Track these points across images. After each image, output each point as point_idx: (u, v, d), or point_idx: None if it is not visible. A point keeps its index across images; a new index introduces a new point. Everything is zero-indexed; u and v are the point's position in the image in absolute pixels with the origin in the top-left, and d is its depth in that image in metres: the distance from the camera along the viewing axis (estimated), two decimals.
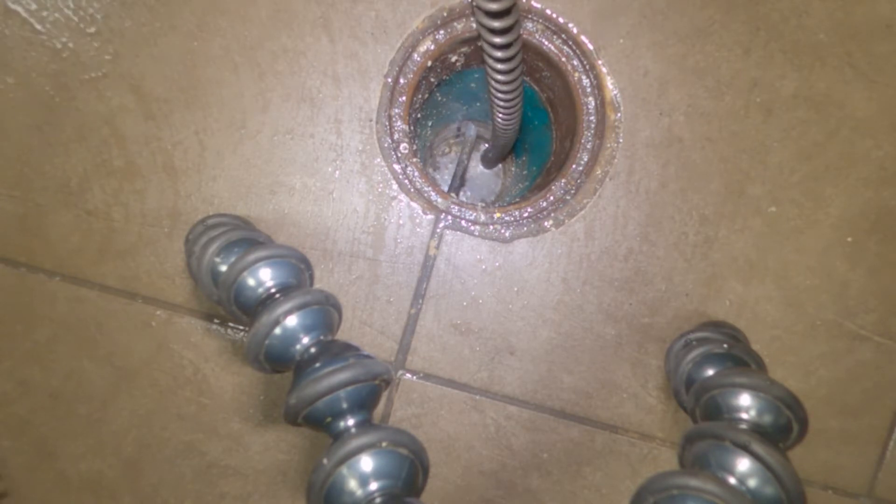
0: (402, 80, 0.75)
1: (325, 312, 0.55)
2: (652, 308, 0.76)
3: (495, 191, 1.25)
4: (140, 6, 0.72)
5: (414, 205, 0.76)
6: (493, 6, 0.57)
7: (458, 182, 1.14)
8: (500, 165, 1.23)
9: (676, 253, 0.76)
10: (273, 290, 0.56)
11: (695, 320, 0.76)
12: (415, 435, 0.48)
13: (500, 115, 0.78)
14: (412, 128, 0.84)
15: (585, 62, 0.75)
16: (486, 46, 0.65)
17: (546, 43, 0.76)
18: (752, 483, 0.47)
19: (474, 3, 0.59)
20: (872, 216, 0.76)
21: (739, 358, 0.63)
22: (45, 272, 0.76)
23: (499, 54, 0.64)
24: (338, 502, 0.45)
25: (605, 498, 0.79)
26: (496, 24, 0.60)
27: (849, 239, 0.76)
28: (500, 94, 0.73)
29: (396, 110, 0.76)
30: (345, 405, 0.49)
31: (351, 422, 0.49)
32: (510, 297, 0.76)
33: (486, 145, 1.13)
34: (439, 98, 1.01)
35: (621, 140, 0.75)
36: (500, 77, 0.69)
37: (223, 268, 0.60)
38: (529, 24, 0.76)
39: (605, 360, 0.77)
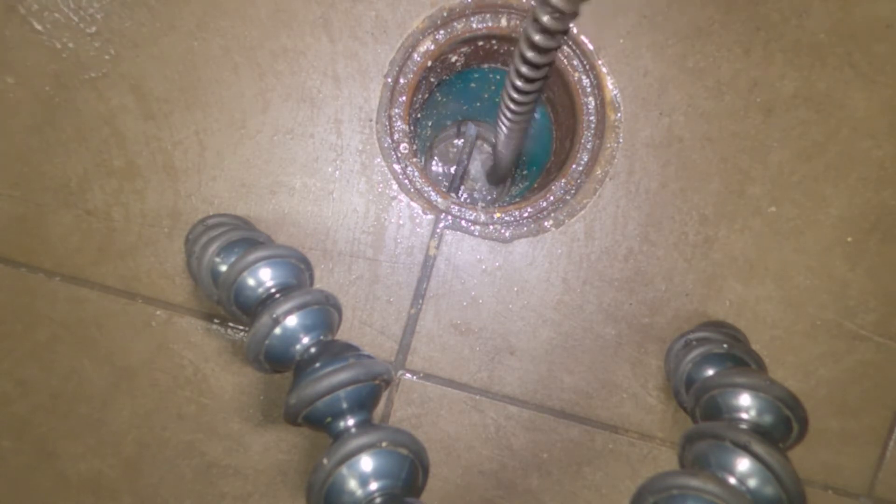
0: (402, 80, 0.75)
1: (325, 312, 0.55)
2: (652, 308, 0.76)
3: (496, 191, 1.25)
4: (140, 6, 0.72)
5: (414, 205, 0.76)
6: (539, 38, 0.56)
7: (458, 182, 1.14)
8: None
9: (676, 253, 0.76)
10: (273, 290, 0.56)
11: (695, 320, 0.76)
12: (415, 435, 0.48)
13: (503, 128, 0.78)
14: (412, 128, 0.84)
15: (585, 62, 0.75)
16: (512, 70, 0.65)
17: None
18: (752, 483, 0.47)
19: (523, 28, 0.58)
20: (872, 216, 0.76)
21: (739, 358, 0.63)
22: (45, 272, 0.76)
23: (519, 84, 0.64)
24: (338, 502, 0.45)
25: (605, 498, 0.79)
26: (531, 54, 0.60)
27: (849, 239, 0.76)
28: (506, 116, 0.73)
29: (396, 110, 0.76)
30: (345, 405, 0.49)
31: (351, 422, 0.49)
32: (510, 297, 0.76)
33: (491, 164, 1.12)
34: (439, 98, 1.01)
35: (621, 140, 0.75)
36: (511, 106, 0.68)
37: (223, 268, 0.60)
38: None
39: (605, 360, 0.77)
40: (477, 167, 1.18)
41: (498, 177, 1.09)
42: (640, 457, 0.78)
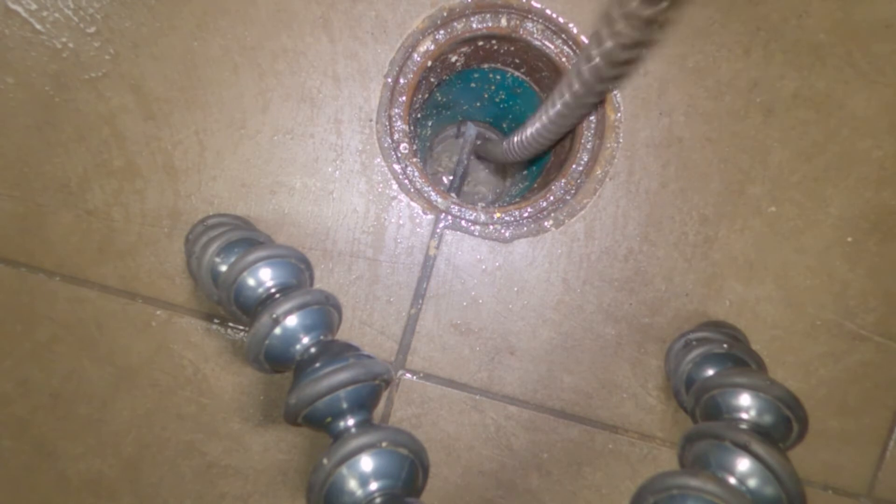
0: (402, 80, 0.75)
1: (325, 312, 0.55)
2: (652, 308, 0.76)
3: (496, 190, 1.25)
4: (140, 6, 0.72)
5: (414, 205, 0.76)
6: (588, 76, 0.58)
7: (458, 182, 1.14)
8: (497, 165, 1.23)
9: (676, 253, 0.76)
10: (273, 290, 0.56)
11: (695, 320, 0.76)
12: (415, 435, 0.48)
13: (522, 139, 0.78)
14: (412, 128, 0.84)
15: None
16: (556, 94, 0.66)
17: (546, 43, 0.76)
18: (752, 483, 0.47)
19: (581, 67, 0.59)
20: (872, 216, 0.76)
21: (739, 358, 0.63)
22: (45, 272, 0.76)
23: (560, 108, 0.65)
24: (338, 502, 0.45)
25: (605, 498, 0.79)
26: (578, 86, 0.61)
27: (849, 239, 0.76)
28: (532, 132, 0.73)
29: (396, 110, 0.76)
30: (345, 405, 0.49)
31: (351, 422, 0.49)
32: (510, 297, 0.76)
33: (481, 141, 1.12)
34: (439, 98, 1.01)
35: (621, 140, 0.75)
36: (546, 122, 0.69)
37: (223, 268, 0.60)
38: (529, 24, 0.76)
39: (605, 360, 0.77)
40: (477, 169, 1.17)
41: (488, 159, 1.08)
42: (640, 457, 0.78)
